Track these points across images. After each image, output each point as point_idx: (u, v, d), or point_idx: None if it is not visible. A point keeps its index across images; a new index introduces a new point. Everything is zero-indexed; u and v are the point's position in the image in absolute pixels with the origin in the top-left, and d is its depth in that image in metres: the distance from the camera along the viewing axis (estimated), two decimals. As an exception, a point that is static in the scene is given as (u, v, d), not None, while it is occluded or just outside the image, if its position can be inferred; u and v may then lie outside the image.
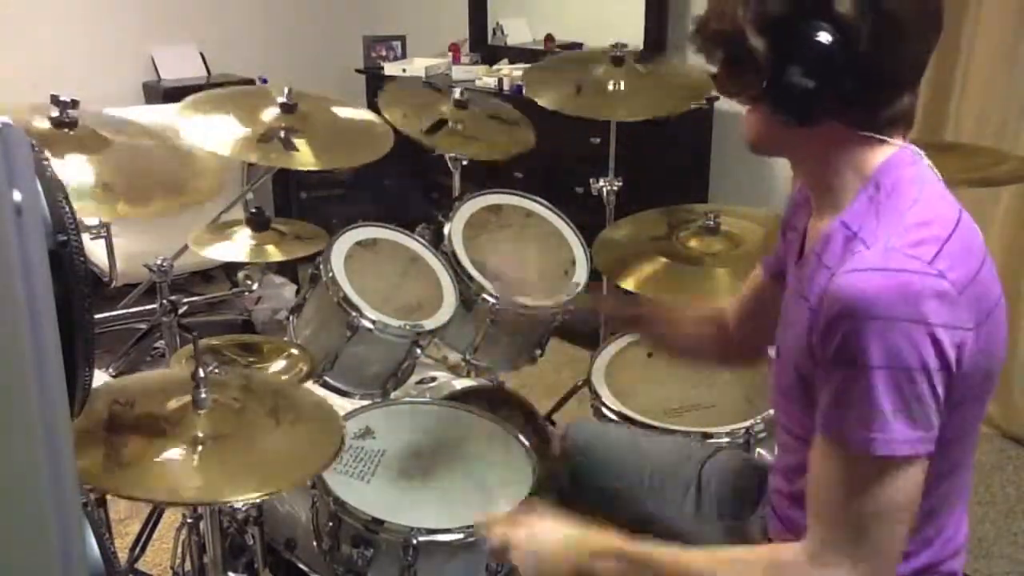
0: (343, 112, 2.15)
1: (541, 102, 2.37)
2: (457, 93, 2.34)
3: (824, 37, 0.95)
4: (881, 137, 1.03)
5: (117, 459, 1.19)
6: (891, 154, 1.03)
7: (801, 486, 1.11)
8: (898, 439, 0.94)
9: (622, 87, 2.37)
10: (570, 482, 1.53)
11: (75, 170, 1.64)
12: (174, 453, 1.22)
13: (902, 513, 0.97)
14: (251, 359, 1.85)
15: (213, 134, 1.88)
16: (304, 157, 1.91)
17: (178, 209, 1.69)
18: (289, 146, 1.90)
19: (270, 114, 1.97)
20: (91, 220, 1.65)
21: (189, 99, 1.96)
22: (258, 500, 1.28)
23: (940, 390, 0.95)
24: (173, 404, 1.31)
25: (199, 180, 1.77)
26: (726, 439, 1.67)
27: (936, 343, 0.93)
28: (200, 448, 1.24)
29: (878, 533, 0.97)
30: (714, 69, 1.08)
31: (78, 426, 1.19)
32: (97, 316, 0.84)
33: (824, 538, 0.99)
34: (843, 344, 0.94)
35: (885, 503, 0.96)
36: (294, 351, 1.84)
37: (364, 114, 2.19)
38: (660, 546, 1.09)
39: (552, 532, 1.18)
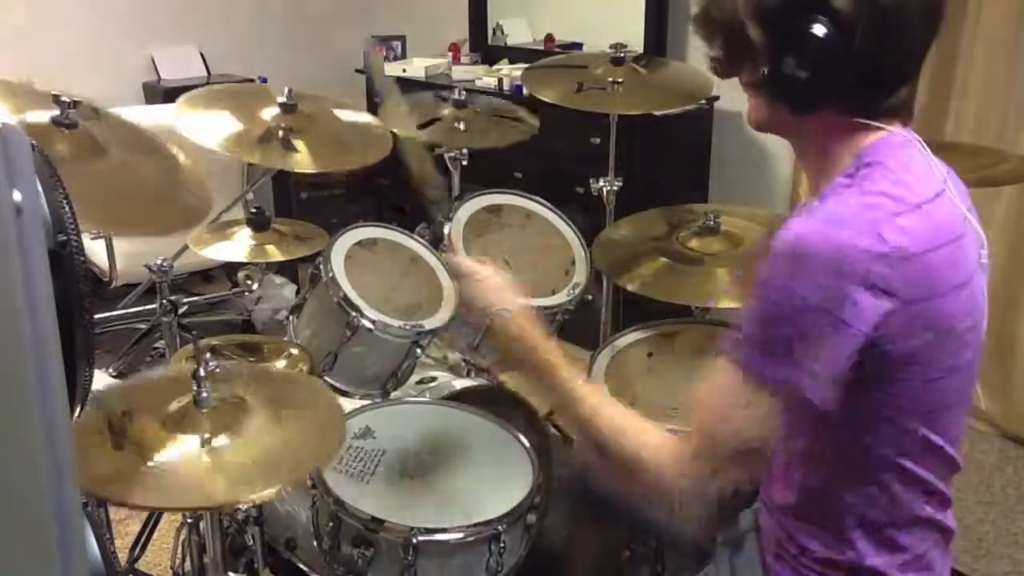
0: (343, 114, 2.15)
1: (542, 98, 2.38)
2: (456, 94, 2.35)
3: (821, 29, 0.96)
4: (877, 124, 1.04)
5: (121, 465, 1.18)
6: (882, 136, 1.04)
7: (790, 483, 1.14)
8: (768, 365, 0.98)
9: (621, 87, 2.37)
10: (579, 484, 1.53)
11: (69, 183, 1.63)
12: (178, 454, 1.22)
13: (749, 439, 1.03)
14: (251, 359, 1.86)
15: (211, 131, 1.87)
16: (302, 159, 1.91)
17: (164, 232, 1.68)
18: (288, 147, 1.89)
19: (269, 113, 1.97)
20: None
21: (189, 94, 1.95)
22: (267, 497, 1.27)
23: (844, 342, 0.96)
24: (175, 405, 1.30)
25: (189, 200, 1.74)
26: None
27: (851, 295, 0.94)
28: (205, 448, 1.24)
29: (724, 447, 1.04)
30: (713, 54, 1.10)
31: (81, 433, 1.20)
32: (97, 316, 0.84)
33: (688, 436, 1.06)
34: (767, 273, 0.98)
35: (739, 423, 1.02)
36: (294, 351, 1.84)
37: (363, 116, 2.19)
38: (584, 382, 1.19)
39: (516, 304, 1.30)
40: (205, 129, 1.86)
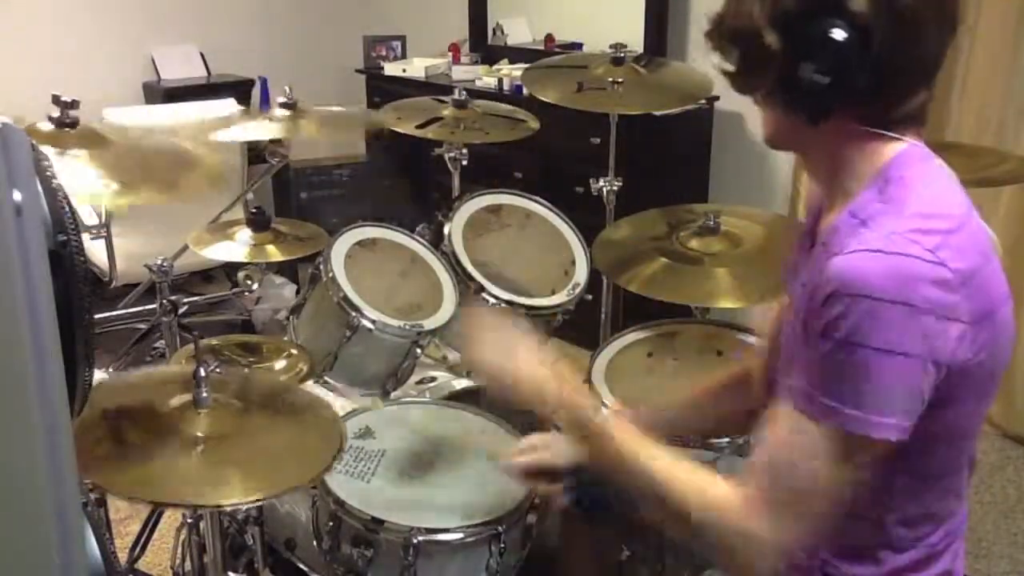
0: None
1: (542, 98, 2.38)
2: (456, 94, 2.35)
3: (838, 35, 0.95)
4: (893, 135, 1.03)
5: (119, 458, 1.18)
6: (901, 149, 1.03)
7: None
8: (871, 421, 0.94)
9: (621, 87, 2.37)
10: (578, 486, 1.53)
11: (75, 166, 1.64)
12: (175, 453, 1.22)
13: (842, 493, 0.99)
14: (251, 359, 1.86)
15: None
16: None
17: (179, 197, 1.66)
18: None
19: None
20: (91, 220, 1.65)
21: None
22: (262, 502, 1.27)
23: (924, 379, 0.94)
24: (174, 403, 1.30)
25: (199, 171, 1.74)
26: (726, 444, 1.66)
27: (927, 329, 0.93)
28: (201, 448, 1.24)
29: (814, 505, 0.99)
30: (730, 67, 1.08)
31: (78, 425, 1.19)
32: (97, 316, 0.84)
33: (763, 491, 1.01)
34: (834, 320, 0.95)
35: (833, 479, 0.98)
36: (294, 351, 1.84)
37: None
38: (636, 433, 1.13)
39: (529, 354, 1.22)
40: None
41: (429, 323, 1.80)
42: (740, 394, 1.38)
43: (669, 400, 1.54)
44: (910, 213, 0.97)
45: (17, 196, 0.66)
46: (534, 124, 2.46)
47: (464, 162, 2.51)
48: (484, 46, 4.16)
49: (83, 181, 1.58)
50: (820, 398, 0.96)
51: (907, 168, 1.01)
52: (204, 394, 1.29)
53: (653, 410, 1.46)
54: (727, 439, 1.66)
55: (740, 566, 1.05)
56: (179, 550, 1.89)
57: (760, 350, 1.39)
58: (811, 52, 0.97)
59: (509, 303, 1.89)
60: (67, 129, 1.70)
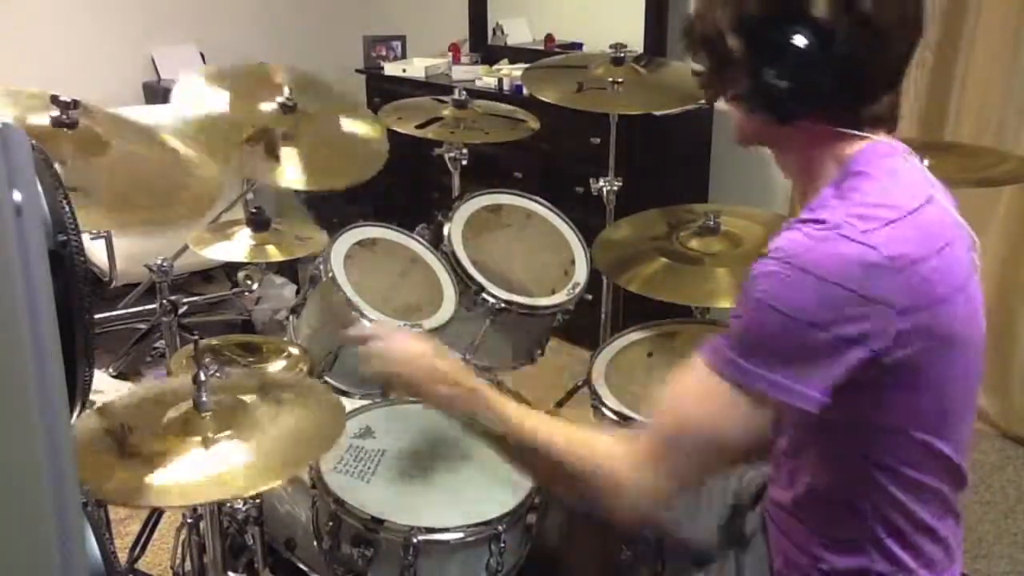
0: (345, 123, 2.11)
1: (542, 98, 2.38)
2: (456, 94, 2.35)
3: (799, 40, 0.97)
4: (861, 134, 1.04)
5: (125, 473, 1.18)
6: (865, 146, 1.04)
7: (797, 492, 1.13)
8: (767, 378, 0.96)
9: (621, 87, 2.37)
10: None
11: (70, 177, 1.64)
12: (180, 456, 1.22)
13: (724, 450, 1.02)
14: (251, 359, 1.86)
15: (203, 126, 1.86)
16: (287, 172, 1.87)
17: (170, 221, 1.67)
18: (272, 153, 1.87)
19: (268, 108, 1.94)
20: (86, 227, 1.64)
21: (202, 68, 1.94)
22: (268, 489, 1.28)
23: (834, 355, 0.95)
24: (174, 411, 1.30)
25: (194, 191, 1.74)
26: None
27: (845, 308, 0.93)
28: (206, 450, 1.24)
29: (700, 453, 1.02)
30: (699, 68, 1.11)
31: (83, 441, 1.20)
32: (97, 316, 0.84)
33: (652, 436, 1.03)
34: (754, 278, 0.98)
35: (722, 429, 1.00)
36: (294, 351, 1.84)
37: (363, 126, 2.15)
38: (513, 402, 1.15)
39: (418, 348, 1.26)
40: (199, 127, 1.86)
41: (429, 323, 1.80)
42: None
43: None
44: (858, 203, 0.99)
45: (17, 196, 0.66)
46: (534, 124, 2.47)
47: (464, 162, 2.51)
48: (484, 46, 4.16)
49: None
50: (726, 351, 0.99)
51: (868, 164, 1.03)
52: (204, 398, 1.28)
53: None
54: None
55: (621, 514, 1.06)
56: (179, 550, 1.89)
57: None
58: (772, 57, 0.99)
59: (509, 303, 1.89)
60: (66, 129, 1.70)
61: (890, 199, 0.99)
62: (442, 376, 1.21)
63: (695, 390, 1.03)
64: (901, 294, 0.95)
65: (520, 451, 1.13)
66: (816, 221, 0.97)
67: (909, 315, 0.96)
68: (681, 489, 1.04)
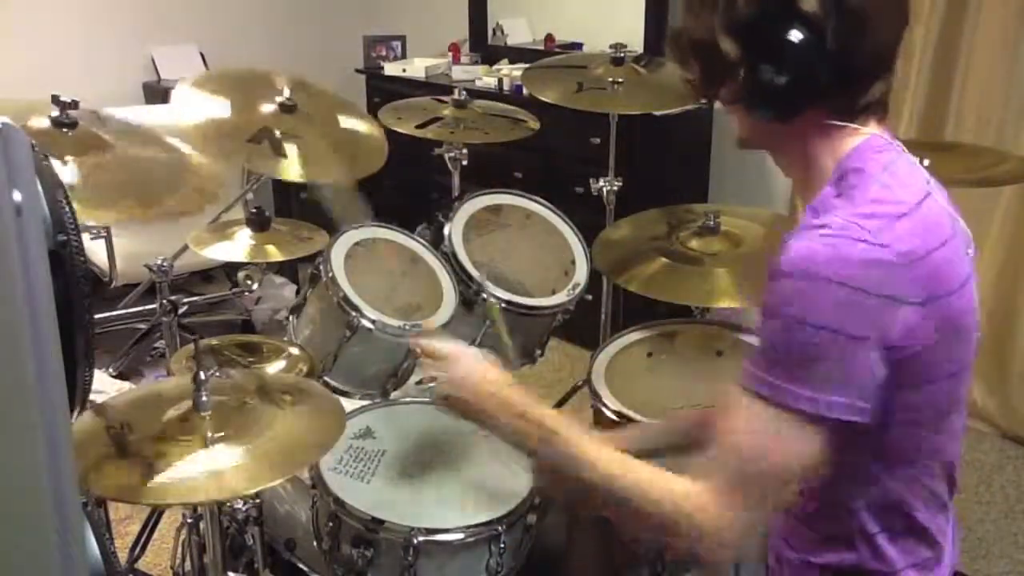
0: (344, 121, 2.12)
1: (542, 98, 2.38)
2: (456, 94, 2.36)
3: (793, 36, 0.99)
4: (854, 126, 1.06)
5: (126, 473, 1.18)
6: (859, 142, 1.06)
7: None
8: (818, 400, 0.96)
9: (621, 87, 2.37)
10: None
11: (72, 173, 1.64)
12: (182, 456, 1.22)
13: (796, 472, 1.00)
14: (251, 359, 1.86)
15: (205, 130, 1.87)
16: (292, 166, 1.88)
17: (174, 214, 1.68)
18: (278, 151, 1.88)
19: (268, 109, 1.95)
20: (91, 220, 1.65)
21: (192, 77, 1.96)
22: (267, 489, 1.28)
23: (872, 359, 0.95)
24: (174, 411, 1.30)
25: (197, 185, 1.75)
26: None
27: (870, 311, 0.94)
28: (207, 449, 1.24)
29: (768, 485, 1.00)
30: (690, 76, 1.12)
31: (83, 440, 1.20)
32: (97, 316, 0.84)
33: (722, 478, 1.01)
34: (777, 297, 0.97)
35: (783, 457, 0.99)
36: (294, 351, 1.84)
37: (362, 125, 2.17)
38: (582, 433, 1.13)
39: (485, 372, 1.25)
40: (198, 128, 1.86)
41: (429, 323, 1.80)
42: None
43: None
44: (861, 202, 1.00)
45: (17, 196, 0.66)
46: (534, 124, 2.47)
47: (464, 162, 2.51)
48: (484, 46, 4.16)
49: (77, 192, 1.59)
50: (767, 377, 0.98)
51: (864, 160, 1.04)
52: (204, 398, 1.28)
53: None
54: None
55: (708, 556, 1.06)
56: (179, 550, 1.89)
57: None
58: (769, 55, 1.01)
59: (509, 303, 1.89)
60: (66, 130, 1.70)
61: (892, 195, 1.00)
62: (519, 412, 1.18)
63: (747, 421, 1.00)
64: (917, 288, 0.96)
65: (595, 494, 1.11)
66: (823, 226, 0.98)
67: (926, 306, 0.97)
68: (767, 515, 1.04)
